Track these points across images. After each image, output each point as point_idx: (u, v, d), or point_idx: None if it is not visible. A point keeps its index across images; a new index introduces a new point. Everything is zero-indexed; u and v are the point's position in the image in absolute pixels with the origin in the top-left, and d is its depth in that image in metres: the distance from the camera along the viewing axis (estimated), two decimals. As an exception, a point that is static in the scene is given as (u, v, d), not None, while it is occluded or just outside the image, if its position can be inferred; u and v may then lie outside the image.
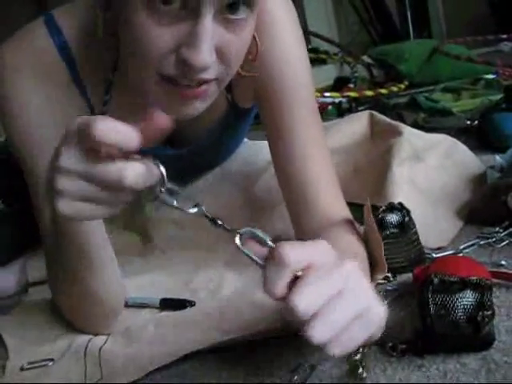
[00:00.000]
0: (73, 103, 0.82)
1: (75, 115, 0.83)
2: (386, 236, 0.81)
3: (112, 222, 1.06)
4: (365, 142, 1.17)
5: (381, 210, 0.84)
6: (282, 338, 0.71)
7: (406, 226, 0.82)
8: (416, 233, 0.83)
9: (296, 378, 0.65)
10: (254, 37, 0.75)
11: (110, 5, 0.70)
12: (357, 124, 1.21)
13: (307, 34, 3.29)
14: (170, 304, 0.85)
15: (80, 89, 0.83)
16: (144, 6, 0.63)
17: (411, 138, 1.09)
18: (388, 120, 1.20)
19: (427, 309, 0.62)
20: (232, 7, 0.65)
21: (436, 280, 0.63)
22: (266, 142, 0.90)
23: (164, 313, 0.84)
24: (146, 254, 1.05)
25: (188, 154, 1.00)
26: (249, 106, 0.94)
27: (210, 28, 0.64)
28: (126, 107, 0.86)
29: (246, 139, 1.22)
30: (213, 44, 0.65)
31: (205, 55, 0.64)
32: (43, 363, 0.79)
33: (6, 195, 1.08)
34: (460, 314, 0.60)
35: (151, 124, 0.53)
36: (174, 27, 0.64)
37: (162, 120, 0.54)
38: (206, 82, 0.68)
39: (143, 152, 1.06)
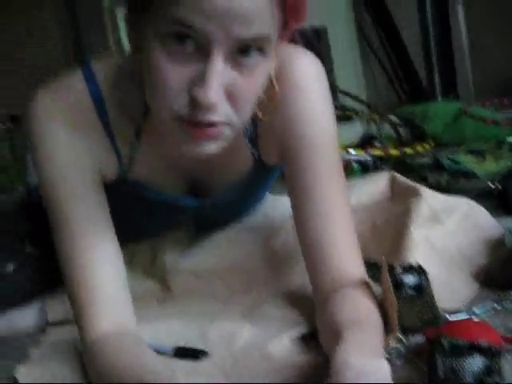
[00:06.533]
0: (101, 150, 0.86)
1: (104, 162, 0.87)
2: (403, 297, 0.80)
3: (132, 269, 1.08)
4: (384, 201, 1.18)
5: (398, 269, 0.83)
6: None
7: (423, 289, 0.81)
8: (433, 296, 0.82)
9: None
10: (271, 81, 0.78)
11: (138, 48, 0.74)
12: (377, 184, 1.22)
13: (335, 91, 3.35)
14: (184, 352, 0.85)
15: (109, 136, 0.86)
16: (159, 44, 0.68)
17: (430, 200, 1.10)
18: (408, 181, 1.20)
19: (436, 372, 0.62)
20: (244, 51, 0.68)
21: (445, 343, 0.63)
22: (286, 197, 0.91)
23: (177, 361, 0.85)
24: (163, 302, 1.06)
25: (211, 207, 1.02)
26: (274, 163, 0.95)
27: (219, 67, 0.67)
28: (153, 153, 0.89)
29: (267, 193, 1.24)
30: (222, 84, 0.68)
31: (212, 93, 0.67)
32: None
33: (32, 237, 1.11)
34: (468, 378, 0.60)
35: None
36: (187, 67, 0.68)
37: None
38: (215, 123, 0.71)
39: (168, 200, 1.09)
